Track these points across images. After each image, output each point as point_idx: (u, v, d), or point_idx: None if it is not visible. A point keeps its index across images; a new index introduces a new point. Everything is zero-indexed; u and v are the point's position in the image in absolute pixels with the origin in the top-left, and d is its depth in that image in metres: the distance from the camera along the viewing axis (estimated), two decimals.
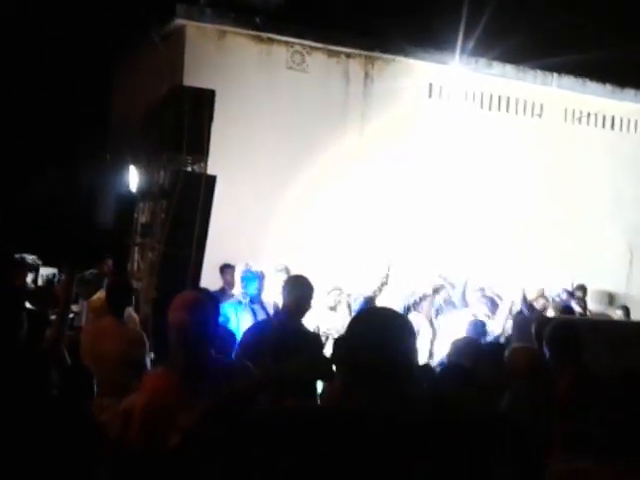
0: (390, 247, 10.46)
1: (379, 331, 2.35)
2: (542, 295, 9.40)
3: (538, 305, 9.01)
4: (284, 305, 5.27)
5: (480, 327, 7.30)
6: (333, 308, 7.96)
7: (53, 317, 5.67)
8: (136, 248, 9.33)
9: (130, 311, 6.74)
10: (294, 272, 8.50)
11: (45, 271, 9.58)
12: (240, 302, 7.17)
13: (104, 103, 13.88)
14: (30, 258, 8.96)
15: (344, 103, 11.01)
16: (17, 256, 8.55)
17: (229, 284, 9.08)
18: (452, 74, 11.36)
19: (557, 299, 9.39)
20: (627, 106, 12.44)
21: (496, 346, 6.61)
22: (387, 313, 2.53)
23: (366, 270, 9.10)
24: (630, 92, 12.31)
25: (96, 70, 13.89)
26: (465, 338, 6.11)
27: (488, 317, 8.03)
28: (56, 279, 9.49)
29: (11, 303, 3.76)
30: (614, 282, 11.81)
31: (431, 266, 10.02)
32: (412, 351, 2.39)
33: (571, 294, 9.80)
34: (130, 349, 5.55)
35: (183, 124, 7.91)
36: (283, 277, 8.50)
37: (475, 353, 5.65)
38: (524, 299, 8.86)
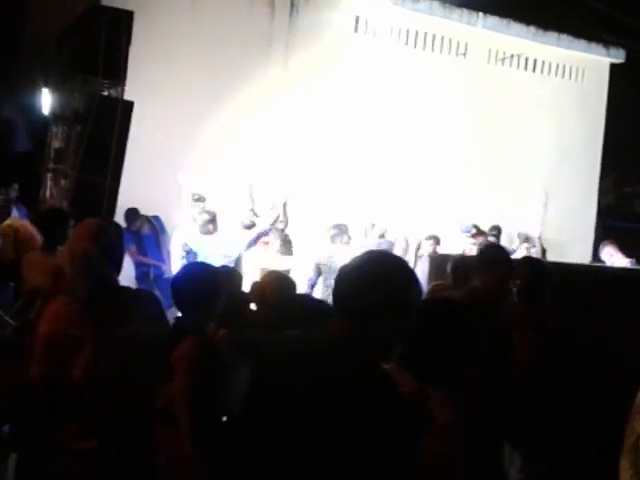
0: (313, 181, 10.44)
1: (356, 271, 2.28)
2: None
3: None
4: None
5: None
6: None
7: None
8: (49, 174, 9.03)
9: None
10: (210, 204, 8.47)
11: None
12: None
13: (17, 22, 13.27)
14: None
15: (268, 33, 10.78)
16: None
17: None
18: (379, 8, 11.21)
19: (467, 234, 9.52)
20: (549, 49, 12.54)
21: None
22: (381, 257, 2.44)
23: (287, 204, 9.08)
24: (553, 35, 12.39)
25: None
26: None
27: None
28: None
29: None
30: (529, 224, 12.04)
31: (352, 202, 10.06)
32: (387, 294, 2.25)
33: (478, 231, 9.90)
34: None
35: (99, 46, 7.63)
36: (200, 206, 8.47)
37: None
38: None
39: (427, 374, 2.69)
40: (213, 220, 7.71)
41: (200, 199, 8.37)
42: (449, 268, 6.06)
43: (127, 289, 3.53)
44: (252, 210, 8.39)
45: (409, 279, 2.31)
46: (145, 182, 9.20)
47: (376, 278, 2.23)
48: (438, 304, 3.09)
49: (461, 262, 6.21)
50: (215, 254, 7.21)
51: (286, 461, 2.12)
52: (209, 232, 7.63)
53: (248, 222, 8.16)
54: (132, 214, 8.85)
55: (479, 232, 9.57)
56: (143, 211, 9.19)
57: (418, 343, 2.68)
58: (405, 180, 11.04)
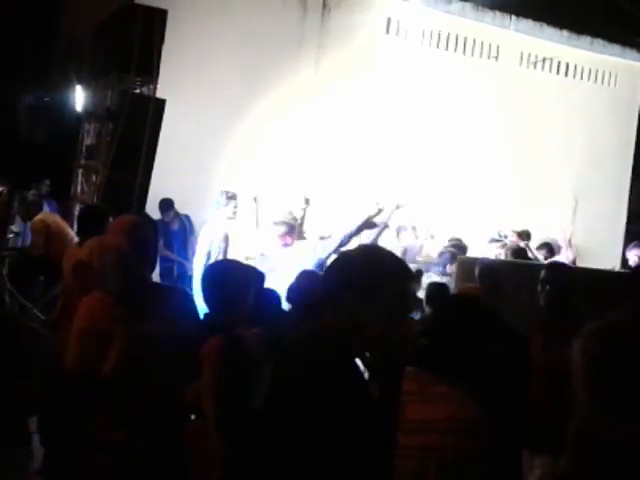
0: (342, 182, 10.44)
1: None
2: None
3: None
4: None
5: None
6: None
7: None
8: (80, 170, 9.11)
9: None
10: (240, 203, 8.49)
11: None
12: None
13: (52, 19, 13.39)
14: None
15: (300, 34, 10.79)
16: None
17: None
18: (411, 10, 11.19)
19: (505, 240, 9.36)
20: (581, 53, 12.45)
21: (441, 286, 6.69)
22: None
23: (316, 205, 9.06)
24: (586, 39, 12.30)
25: None
26: None
27: None
28: None
29: None
30: (558, 229, 11.92)
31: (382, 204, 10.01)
32: None
33: (520, 235, 9.77)
34: None
35: (133, 44, 7.69)
36: (233, 204, 8.44)
37: None
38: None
39: (444, 367, 2.69)
40: (292, 230, 7.52)
41: (233, 197, 8.40)
42: (476, 272, 6.04)
43: (160, 285, 3.56)
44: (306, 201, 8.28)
45: (394, 272, 2.31)
46: (175, 180, 9.23)
47: (357, 269, 2.26)
48: (456, 299, 3.10)
49: (488, 266, 6.20)
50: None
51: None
52: (287, 244, 7.45)
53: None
54: (167, 204, 8.90)
55: (520, 238, 9.45)
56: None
57: (434, 336, 2.69)
58: (434, 182, 11.01)
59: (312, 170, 10.35)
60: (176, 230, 9.06)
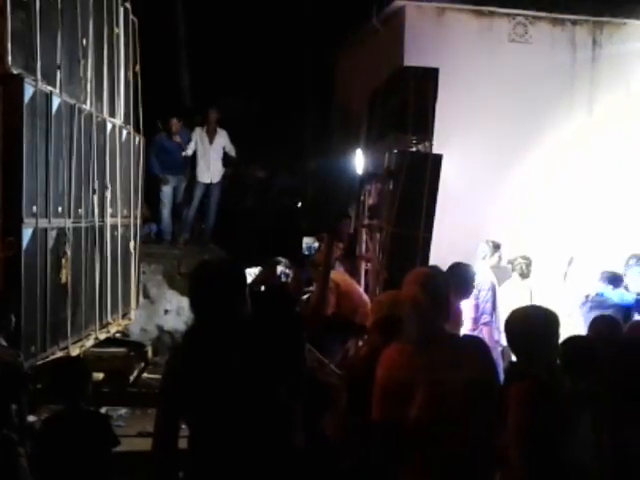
0: (617, 234, 9.86)
1: None
2: None
3: None
4: None
5: None
6: None
7: None
8: (364, 230, 9.51)
9: None
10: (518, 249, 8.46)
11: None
12: None
13: (328, 90, 14.28)
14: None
15: (571, 73, 10.56)
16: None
17: None
18: None
19: None
20: None
21: None
22: None
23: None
24: None
25: (320, 58, 14.38)
26: None
27: None
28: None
29: None
30: None
31: None
32: None
33: None
34: None
35: (408, 104, 7.97)
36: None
37: None
38: None
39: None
40: None
41: (498, 246, 8.43)
42: None
43: (455, 335, 3.64)
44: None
45: None
46: (453, 232, 9.33)
47: None
48: None
49: None
50: None
51: None
52: None
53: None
54: None
55: None
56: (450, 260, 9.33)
57: None
58: None
59: (591, 222, 9.95)
60: None
